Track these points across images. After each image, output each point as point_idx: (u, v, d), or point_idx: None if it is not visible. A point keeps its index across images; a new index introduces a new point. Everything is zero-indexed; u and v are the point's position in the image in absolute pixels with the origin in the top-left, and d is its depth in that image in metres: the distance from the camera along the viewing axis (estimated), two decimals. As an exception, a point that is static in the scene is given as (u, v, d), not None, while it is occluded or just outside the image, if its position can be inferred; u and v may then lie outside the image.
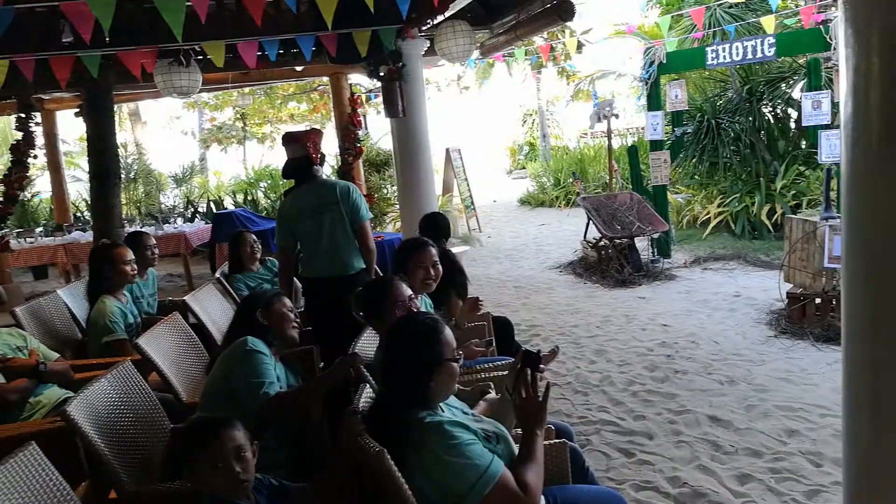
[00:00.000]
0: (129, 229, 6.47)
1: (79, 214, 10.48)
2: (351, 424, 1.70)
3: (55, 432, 2.38)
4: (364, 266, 3.62)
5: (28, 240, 8.46)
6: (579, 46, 11.01)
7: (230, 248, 4.44)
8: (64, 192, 10.24)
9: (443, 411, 1.78)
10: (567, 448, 2.11)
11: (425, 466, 1.61)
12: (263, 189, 12.72)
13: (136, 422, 2.38)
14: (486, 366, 2.84)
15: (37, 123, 7.58)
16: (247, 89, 13.50)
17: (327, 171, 9.32)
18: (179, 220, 9.77)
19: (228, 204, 11.64)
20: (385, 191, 10.07)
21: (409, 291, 2.50)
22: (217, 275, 4.36)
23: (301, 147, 3.63)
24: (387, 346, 1.83)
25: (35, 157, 7.64)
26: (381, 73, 5.89)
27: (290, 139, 3.71)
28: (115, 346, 3.49)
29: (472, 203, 11.40)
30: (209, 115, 17.18)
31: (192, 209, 10.95)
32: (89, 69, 4.14)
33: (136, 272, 3.79)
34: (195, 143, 19.35)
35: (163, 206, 11.80)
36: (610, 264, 6.96)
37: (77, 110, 7.24)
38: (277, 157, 15.68)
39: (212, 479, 1.69)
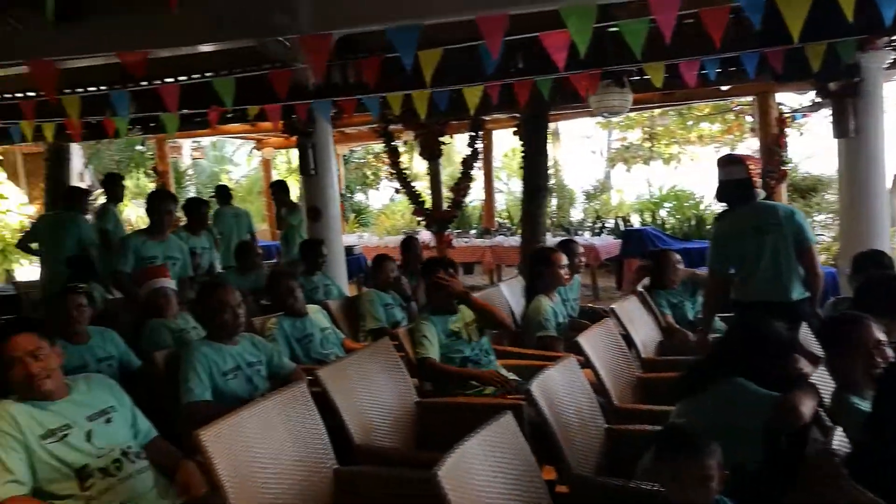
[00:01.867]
0: (549, 238, 7.16)
1: (502, 221, 11.89)
2: (828, 465, 1.63)
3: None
4: (808, 295, 3.38)
5: (464, 240, 9.96)
6: None
7: (655, 265, 4.58)
8: (492, 201, 11.80)
9: None
10: None
11: None
12: (668, 210, 12.66)
13: (578, 413, 2.63)
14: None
15: (484, 140, 8.84)
16: (659, 110, 13.63)
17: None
18: (587, 234, 10.36)
19: (635, 222, 11.90)
20: (812, 219, 9.17)
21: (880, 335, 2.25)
22: (639, 288, 4.53)
23: (743, 169, 3.56)
24: (883, 393, 1.70)
25: (481, 169, 8.92)
26: (832, 89, 5.38)
27: (730, 161, 3.68)
28: (546, 341, 3.93)
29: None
30: (619, 135, 17.77)
31: (601, 224, 11.49)
32: (542, 91, 4.66)
33: (569, 276, 4.19)
34: (602, 161, 20.21)
35: (572, 219, 12.66)
36: None
37: (515, 129, 8.21)
38: (682, 178, 15.42)
39: (692, 492, 1.77)
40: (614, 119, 12.49)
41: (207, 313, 3.06)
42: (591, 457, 2.56)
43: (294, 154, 15.80)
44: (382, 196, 18.31)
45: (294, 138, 5.77)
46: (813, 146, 10.87)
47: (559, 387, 2.60)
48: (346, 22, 3.85)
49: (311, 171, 5.51)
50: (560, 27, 3.25)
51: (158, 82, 4.58)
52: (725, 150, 13.75)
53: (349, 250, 7.75)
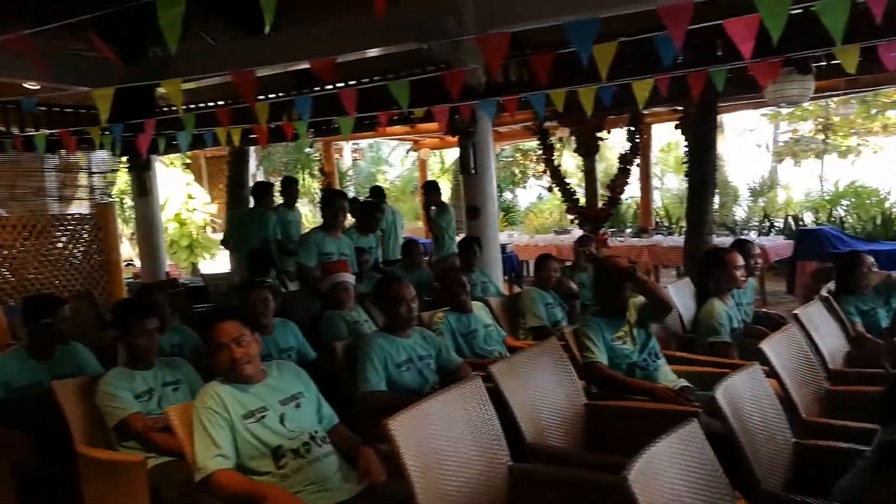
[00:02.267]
0: (713, 238, 6.79)
1: (658, 220, 11.44)
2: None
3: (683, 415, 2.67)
4: None
5: (619, 239, 9.69)
6: None
7: (842, 267, 4.20)
8: (649, 198, 11.38)
9: None
10: None
11: None
12: (846, 207, 11.56)
13: (764, 425, 2.46)
14: None
15: (642, 135, 8.54)
16: (838, 98, 12.45)
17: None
18: (753, 234, 9.72)
19: (807, 220, 11.00)
20: None
21: None
22: (824, 293, 4.18)
23: None
24: None
25: (637, 165, 8.63)
26: None
27: None
28: (719, 346, 3.71)
29: None
30: (790, 127, 16.46)
31: (769, 223, 10.74)
32: (716, 82, 4.42)
33: (745, 278, 3.94)
34: (768, 155, 18.84)
35: (736, 217, 11.93)
36: None
37: (677, 122, 7.85)
38: (862, 172, 14.01)
39: None
40: (785, 111, 11.60)
41: (385, 306, 3.21)
42: (778, 473, 2.40)
43: (448, 154, 16.20)
44: (530, 194, 18.30)
45: (450, 139, 5.90)
46: None
47: (744, 395, 2.45)
48: (515, 20, 3.86)
49: (471, 169, 5.61)
50: (748, 13, 3.06)
51: (341, 86, 4.84)
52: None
53: (501, 249, 7.81)
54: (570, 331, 3.45)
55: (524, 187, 18.31)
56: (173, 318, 3.87)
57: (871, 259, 4.08)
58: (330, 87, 4.99)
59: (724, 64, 4.40)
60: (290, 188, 6.64)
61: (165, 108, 6.74)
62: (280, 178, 10.27)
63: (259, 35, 4.26)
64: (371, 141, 17.31)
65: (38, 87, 6.84)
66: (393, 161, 20.38)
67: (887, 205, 10.82)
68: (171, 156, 10.93)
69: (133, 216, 9.58)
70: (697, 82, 4.46)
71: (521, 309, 4.57)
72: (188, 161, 12.53)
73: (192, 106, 7.11)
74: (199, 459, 2.24)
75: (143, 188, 7.55)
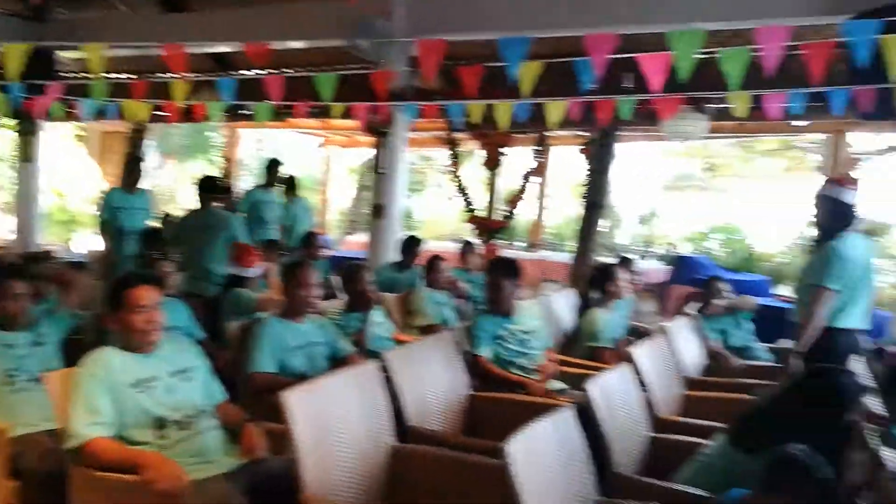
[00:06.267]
0: (596, 258, 7.25)
1: (549, 237, 11.99)
2: (872, 470, 1.73)
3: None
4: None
5: (509, 252, 10.06)
6: None
7: (704, 292, 4.67)
8: (541, 217, 11.89)
9: None
10: None
11: None
12: (718, 240, 12.66)
13: (627, 419, 2.75)
14: None
15: (543, 157, 8.99)
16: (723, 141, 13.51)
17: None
18: (634, 257, 10.36)
19: (684, 250, 11.90)
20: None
21: None
22: (688, 311, 4.62)
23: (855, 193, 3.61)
24: None
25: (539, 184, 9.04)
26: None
27: (849, 181, 3.71)
28: (598, 352, 4.05)
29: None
30: (675, 163, 17.63)
31: (648, 250, 11.52)
32: (622, 112, 4.76)
33: (627, 291, 4.34)
34: (655, 187, 20.03)
35: (618, 241, 12.71)
36: None
37: (582, 147, 8.24)
38: (733, 212, 15.27)
39: None
40: (675, 147, 12.48)
41: (287, 289, 3.27)
42: (634, 460, 2.69)
43: (355, 154, 16.13)
44: (429, 203, 18.56)
45: (359, 139, 5.97)
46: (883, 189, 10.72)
47: (613, 392, 2.73)
48: (446, 30, 3.97)
49: (381, 169, 5.73)
50: (662, 49, 3.37)
51: (263, 72, 4.80)
52: (784, 188, 13.61)
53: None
54: (463, 327, 3.67)
55: (422, 195, 18.59)
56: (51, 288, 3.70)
57: (726, 285, 4.59)
58: (248, 71, 4.93)
59: (631, 95, 4.74)
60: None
61: (68, 74, 6.42)
62: (175, 160, 9.87)
63: (180, 11, 4.18)
64: (275, 131, 16.96)
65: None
66: (297, 154, 20.05)
67: (747, 242, 12.01)
68: (64, 125, 10.31)
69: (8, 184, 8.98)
70: (606, 109, 4.80)
71: (411, 308, 4.72)
72: (82, 133, 11.86)
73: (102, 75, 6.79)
74: (75, 426, 2.20)
75: (27, 153, 7.14)
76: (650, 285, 8.82)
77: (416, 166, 17.88)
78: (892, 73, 3.36)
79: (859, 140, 9.17)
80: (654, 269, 8.87)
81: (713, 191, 18.02)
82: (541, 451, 2.02)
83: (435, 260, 5.07)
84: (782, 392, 2.42)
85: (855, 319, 3.47)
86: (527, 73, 3.81)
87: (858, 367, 3.31)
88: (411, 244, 5.65)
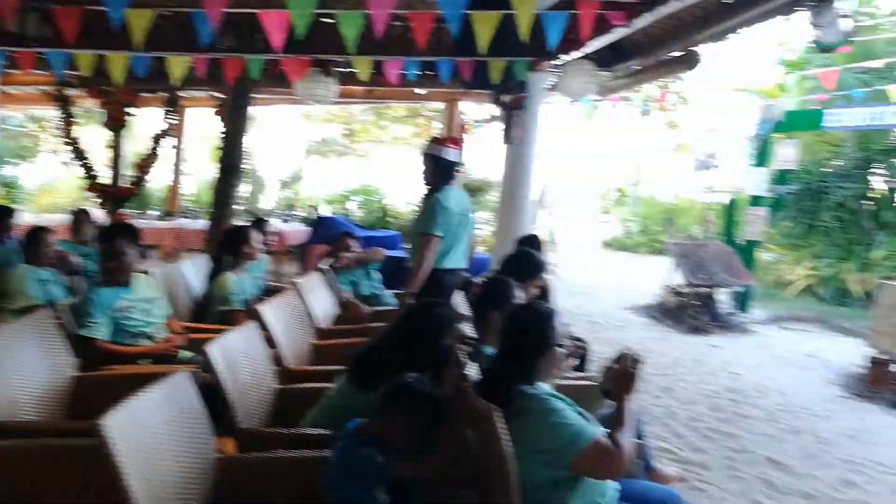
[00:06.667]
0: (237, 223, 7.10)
1: (188, 205, 11.38)
2: (458, 382, 2.00)
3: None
4: None
5: (143, 221, 9.28)
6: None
7: (334, 248, 4.91)
8: (178, 183, 11.21)
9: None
10: (641, 447, 2.37)
11: (525, 431, 1.86)
12: (357, 202, 13.44)
13: (253, 375, 2.74)
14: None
15: (177, 118, 8.39)
16: (360, 107, 14.30)
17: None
18: (277, 221, 10.44)
19: (326, 212, 12.35)
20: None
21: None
22: (324, 267, 4.79)
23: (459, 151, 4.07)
24: (509, 324, 2.12)
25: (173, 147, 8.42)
26: (505, 101, 6.27)
27: (452, 141, 4.15)
28: (228, 315, 3.95)
29: (555, 238, 11.65)
30: (318, 128, 18.12)
31: (292, 212, 11.71)
32: (251, 71, 4.62)
33: (260, 252, 4.30)
34: (298, 152, 20.39)
35: (262, 206, 12.66)
36: (687, 311, 7.02)
37: (217, 109, 7.90)
38: (371, 175, 16.40)
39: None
40: (315, 113, 12.79)
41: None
42: (262, 414, 2.71)
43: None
44: (43, 171, 16.10)
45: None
46: (488, 153, 12.59)
47: (236, 351, 2.69)
48: None
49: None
50: (280, 7, 3.31)
51: None
52: (413, 152, 14.97)
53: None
54: (67, 305, 3.25)
55: (33, 162, 16.04)
56: None
57: (355, 241, 4.92)
58: None
59: (260, 54, 4.62)
60: None
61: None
62: None
63: None
64: None
65: None
66: None
67: (385, 202, 13.04)
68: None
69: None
70: (234, 67, 4.62)
71: (7, 288, 4.01)
72: None
73: None
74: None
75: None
76: (292, 246, 9.03)
77: (24, 129, 15.31)
78: (480, 47, 3.86)
79: (472, 109, 10.57)
80: (296, 231, 9.03)
81: (353, 155, 19.05)
82: (146, 422, 1.90)
83: (37, 232, 4.37)
84: (391, 329, 2.65)
85: (456, 260, 4.01)
86: (136, 20, 3.48)
87: (458, 299, 3.83)
88: (1, 216, 4.84)
